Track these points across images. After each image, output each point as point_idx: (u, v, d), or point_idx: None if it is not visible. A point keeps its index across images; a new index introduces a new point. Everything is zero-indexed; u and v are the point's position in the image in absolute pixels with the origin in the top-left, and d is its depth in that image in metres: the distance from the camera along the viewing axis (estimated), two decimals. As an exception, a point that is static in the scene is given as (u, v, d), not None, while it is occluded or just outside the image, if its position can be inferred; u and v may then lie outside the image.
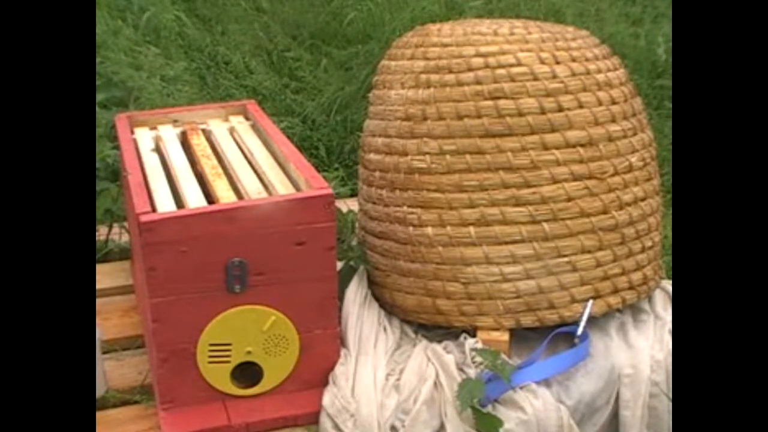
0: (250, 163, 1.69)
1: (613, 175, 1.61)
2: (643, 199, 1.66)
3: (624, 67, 1.73)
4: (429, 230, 1.61)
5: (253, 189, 1.56)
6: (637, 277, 1.66)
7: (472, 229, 1.59)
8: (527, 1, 3.80)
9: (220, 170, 1.65)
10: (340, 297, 1.63)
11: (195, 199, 1.53)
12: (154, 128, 1.88)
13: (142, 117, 1.93)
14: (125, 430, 1.52)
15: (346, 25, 3.72)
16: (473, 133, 1.58)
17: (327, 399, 1.50)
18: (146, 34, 3.59)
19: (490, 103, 1.58)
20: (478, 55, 1.61)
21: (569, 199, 1.58)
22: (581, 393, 1.56)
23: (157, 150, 1.77)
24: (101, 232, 2.09)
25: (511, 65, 1.59)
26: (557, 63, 1.61)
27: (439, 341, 1.62)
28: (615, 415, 1.59)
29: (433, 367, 1.54)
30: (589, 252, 1.60)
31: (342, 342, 1.59)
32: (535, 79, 1.58)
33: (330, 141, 3.03)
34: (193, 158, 1.73)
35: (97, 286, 1.87)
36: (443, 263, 1.61)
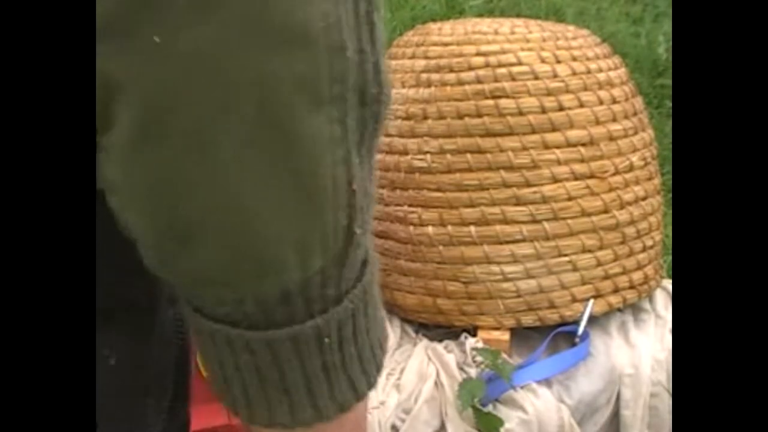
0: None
1: (614, 175, 1.61)
2: (644, 198, 1.66)
3: (625, 66, 1.73)
4: (429, 229, 1.61)
5: (253, 188, 1.56)
6: (637, 276, 1.66)
7: (472, 228, 1.58)
8: (528, 0, 3.80)
9: (220, 169, 1.65)
10: (341, 296, 1.63)
11: (195, 199, 1.53)
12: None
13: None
14: (125, 429, 1.52)
15: (346, 24, 3.72)
16: (474, 133, 1.58)
17: (327, 398, 1.50)
18: (147, 33, 3.59)
19: (490, 102, 1.57)
20: (479, 54, 1.61)
21: (570, 199, 1.58)
22: (582, 392, 1.56)
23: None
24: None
25: (512, 64, 1.59)
26: (558, 62, 1.60)
27: (440, 341, 1.62)
28: (615, 415, 1.58)
29: (434, 367, 1.54)
30: (589, 251, 1.60)
31: (342, 341, 1.59)
32: (536, 78, 1.58)
33: (330, 140, 3.02)
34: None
35: (98, 286, 1.87)
36: (444, 262, 1.61)
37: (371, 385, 0.54)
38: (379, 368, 0.54)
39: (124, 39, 0.43)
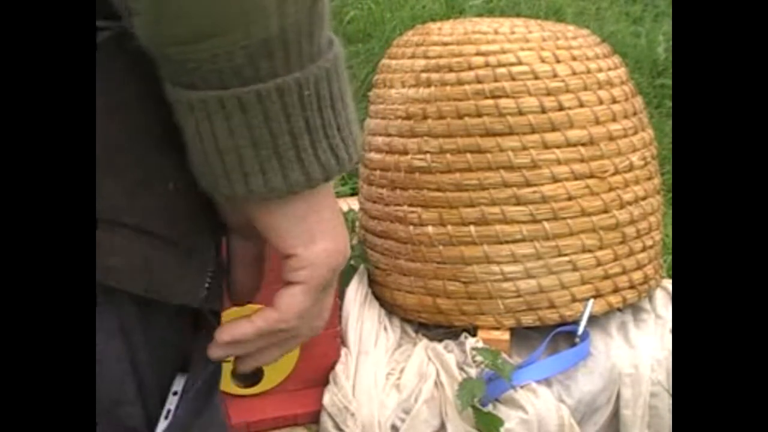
0: (250, 162, 1.68)
1: (613, 174, 1.61)
2: (643, 198, 1.66)
3: (625, 66, 1.73)
4: (429, 229, 1.61)
5: (253, 188, 1.56)
6: (637, 276, 1.66)
7: (472, 228, 1.58)
8: (528, 0, 3.79)
9: (220, 169, 1.65)
10: (341, 296, 1.63)
11: (195, 198, 1.53)
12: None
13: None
14: (125, 429, 1.52)
15: (346, 23, 3.72)
16: (474, 132, 1.58)
17: (327, 398, 1.50)
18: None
19: (490, 102, 1.57)
20: (479, 53, 1.61)
21: (570, 198, 1.58)
22: (582, 392, 1.56)
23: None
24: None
25: (512, 64, 1.59)
26: (558, 62, 1.60)
27: (440, 340, 1.62)
28: (615, 414, 1.58)
29: (434, 367, 1.54)
30: (589, 251, 1.60)
31: (342, 341, 1.59)
32: (536, 78, 1.58)
33: (330, 140, 3.02)
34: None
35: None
36: (444, 262, 1.61)
37: (350, 156, 0.61)
38: (356, 144, 0.61)
39: None
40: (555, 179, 1.57)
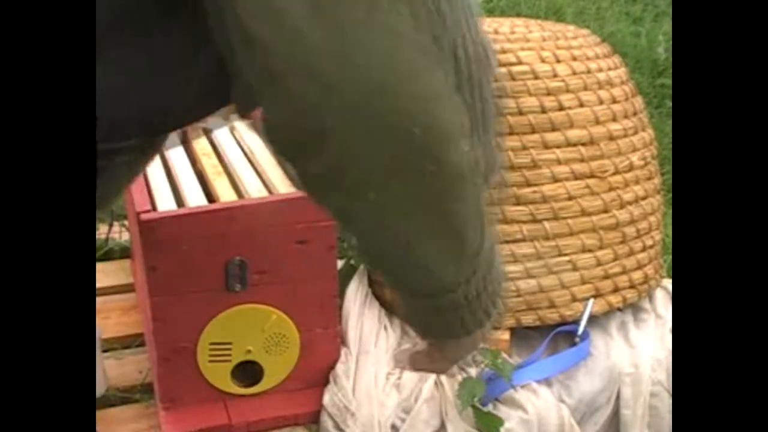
0: (250, 161, 1.68)
1: (614, 174, 1.61)
2: (644, 198, 1.66)
3: (625, 66, 1.73)
4: (429, 229, 1.60)
5: (253, 188, 1.56)
6: (637, 276, 1.66)
7: (472, 228, 1.58)
8: (528, 0, 3.79)
9: (220, 169, 1.65)
10: (341, 296, 1.63)
11: (195, 198, 1.53)
12: (154, 127, 1.87)
13: (143, 116, 1.92)
14: (125, 428, 1.52)
15: (346, 23, 3.71)
16: (474, 132, 1.58)
17: (327, 398, 1.50)
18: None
19: (490, 101, 1.57)
20: (479, 53, 1.61)
21: (570, 198, 1.58)
22: (582, 392, 1.56)
23: (158, 149, 1.76)
24: (101, 230, 2.09)
25: (512, 64, 1.59)
26: (558, 62, 1.60)
27: (440, 340, 1.62)
28: (615, 414, 1.58)
29: (434, 366, 1.54)
30: (589, 251, 1.60)
31: (342, 341, 1.59)
32: (536, 77, 1.58)
33: (330, 140, 3.01)
34: (193, 157, 1.72)
35: (97, 285, 1.87)
36: (444, 262, 1.60)
37: (497, 309, 0.81)
38: (500, 303, 0.81)
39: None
40: (555, 179, 1.57)
